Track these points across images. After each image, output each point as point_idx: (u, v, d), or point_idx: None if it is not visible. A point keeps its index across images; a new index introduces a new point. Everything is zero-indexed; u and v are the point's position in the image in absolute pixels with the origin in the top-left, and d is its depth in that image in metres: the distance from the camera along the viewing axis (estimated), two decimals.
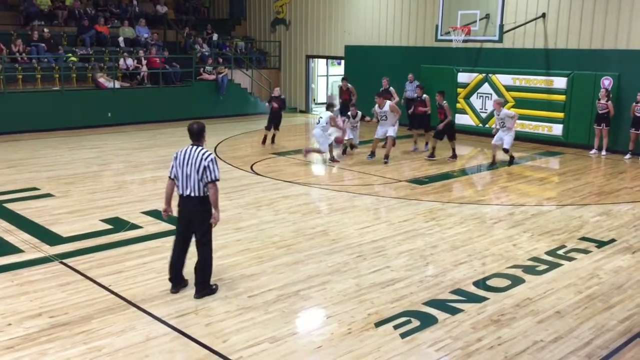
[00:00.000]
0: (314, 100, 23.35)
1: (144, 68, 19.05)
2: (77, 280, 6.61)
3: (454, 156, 13.72)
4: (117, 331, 5.47)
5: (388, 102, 13.32)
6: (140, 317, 5.76)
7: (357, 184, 11.41)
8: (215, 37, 22.20)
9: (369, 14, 19.76)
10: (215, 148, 14.60)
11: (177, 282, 6.37)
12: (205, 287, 6.31)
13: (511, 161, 13.28)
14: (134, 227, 8.52)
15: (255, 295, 6.30)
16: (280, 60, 23.14)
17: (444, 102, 13.49)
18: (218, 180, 6.07)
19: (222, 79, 20.15)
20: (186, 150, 6.12)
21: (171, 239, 8.00)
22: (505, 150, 12.98)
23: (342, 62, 21.15)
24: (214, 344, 5.27)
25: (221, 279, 6.66)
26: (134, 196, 10.25)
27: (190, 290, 6.34)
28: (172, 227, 8.44)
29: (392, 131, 13.22)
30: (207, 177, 5.99)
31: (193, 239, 6.30)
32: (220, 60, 21.28)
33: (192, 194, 6.06)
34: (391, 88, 15.52)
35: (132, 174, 11.97)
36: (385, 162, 13.05)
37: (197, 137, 6.18)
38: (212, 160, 6.05)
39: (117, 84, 18.21)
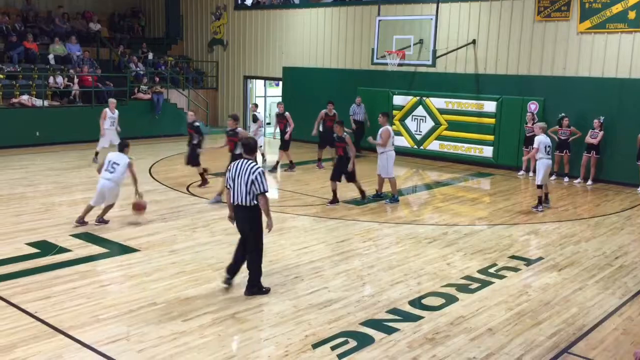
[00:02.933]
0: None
1: (76, 86, 18.49)
2: None
3: (363, 196, 11.69)
4: None
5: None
6: (68, 345, 5.52)
7: (294, 205, 11.40)
8: (150, 56, 21.86)
9: (307, 37, 19.98)
10: (150, 169, 14.28)
11: (234, 270, 6.92)
12: (253, 286, 6.78)
13: (546, 198, 11.64)
14: (63, 250, 8.19)
15: (190, 319, 6.15)
16: (218, 80, 23.02)
17: (345, 134, 11.28)
18: (267, 191, 6.57)
19: (158, 99, 19.81)
20: (239, 164, 6.67)
21: (102, 262, 7.88)
22: (538, 186, 11.43)
23: (280, 83, 21.24)
24: None
25: (154, 303, 6.50)
26: (63, 218, 9.85)
27: (122, 315, 6.16)
28: (103, 250, 8.23)
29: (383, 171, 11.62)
30: (255, 189, 6.52)
31: None
32: (157, 79, 20.95)
33: (241, 204, 6.60)
34: (287, 113, 14.42)
35: (61, 196, 11.52)
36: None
37: (251, 151, 6.74)
38: (259, 173, 6.56)
39: (46, 103, 17.59)
